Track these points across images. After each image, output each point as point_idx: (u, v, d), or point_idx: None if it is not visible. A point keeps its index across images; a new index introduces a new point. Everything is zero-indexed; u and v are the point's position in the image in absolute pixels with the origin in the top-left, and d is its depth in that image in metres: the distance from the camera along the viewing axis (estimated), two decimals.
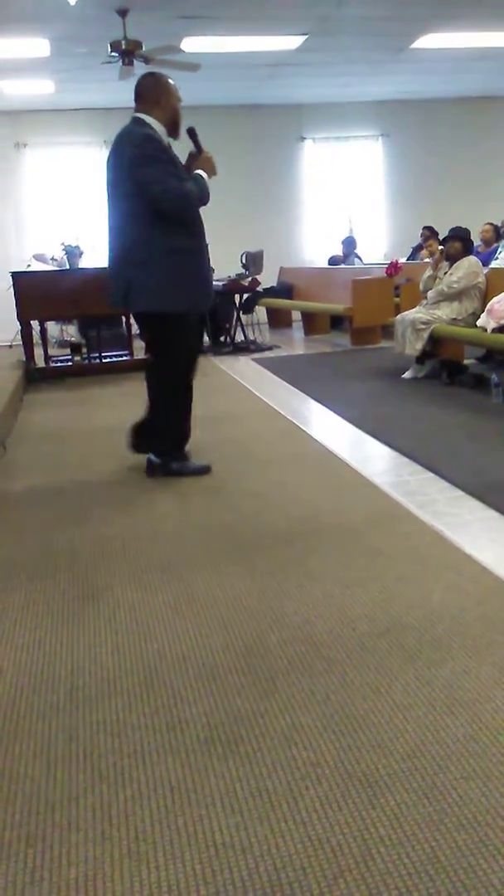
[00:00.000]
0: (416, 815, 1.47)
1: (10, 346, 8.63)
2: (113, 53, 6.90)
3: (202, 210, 3.59)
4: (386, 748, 1.67)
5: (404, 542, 2.84)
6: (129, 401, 5.90)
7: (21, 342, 7.25)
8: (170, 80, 3.57)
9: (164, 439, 3.83)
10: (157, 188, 3.39)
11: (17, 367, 7.01)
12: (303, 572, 2.60)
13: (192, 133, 3.65)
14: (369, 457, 4.12)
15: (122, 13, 6.47)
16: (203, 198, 3.53)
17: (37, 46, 7.29)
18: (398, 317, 6.31)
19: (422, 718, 1.77)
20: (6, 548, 3.02)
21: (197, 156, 3.64)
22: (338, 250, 10.66)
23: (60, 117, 10.07)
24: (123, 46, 6.77)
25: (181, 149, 3.66)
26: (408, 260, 9.51)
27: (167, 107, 3.53)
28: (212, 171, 3.61)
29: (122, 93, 9.16)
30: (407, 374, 6.09)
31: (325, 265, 10.53)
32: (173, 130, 3.59)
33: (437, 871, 1.34)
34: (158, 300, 3.53)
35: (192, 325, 3.71)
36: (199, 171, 3.57)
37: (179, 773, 1.64)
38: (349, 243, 10.55)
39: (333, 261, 10.50)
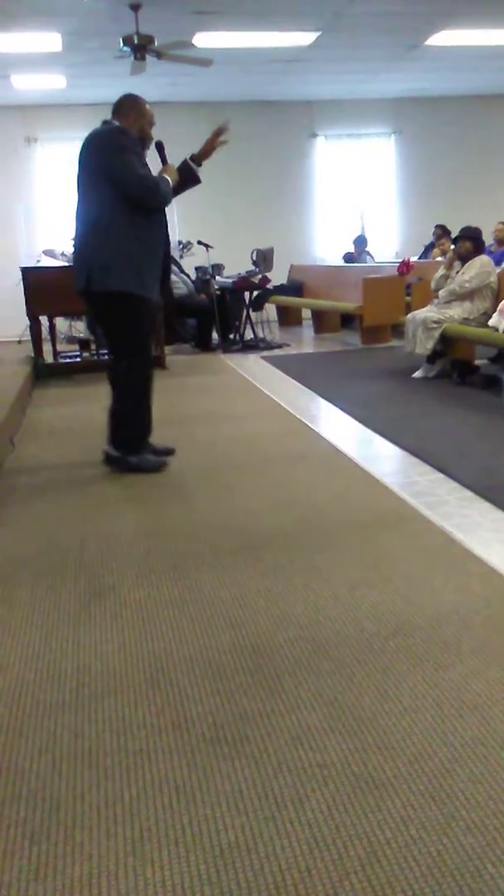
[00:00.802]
0: (422, 817, 1.46)
1: (19, 342, 8.64)
2: (125, 48, 6.88)
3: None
4: (393, 750, 1.66)
5: (413, 542, 2.82)
6: None
7: (30, 338, 7.26)
8: (147, 107, 3.84)
9: (125, 432, 3.89)
10: (127, 174, 3.61)
11: (25, 363, 7.02)
12: (310, 572, 2.59)
13: (159, 147, 3.89)
14: (378, 456, 4.10)
15: (135, 8, 6.45)
16: (167, 193, 3.75)
17: (49, 41, 7.28)
18: (409, 316, 6.28)
19: (429, 721, 1.76)
20: (14, 544, 3.02)
21: (164, 168, 3.88)
22: (349, 248, 10.64)
23: (71, 112, 10.05)
24: (136, 41, 6.74)
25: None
26: (419, 258, 9.48)
27: (135, 123, 3.76)
28: (174, 180, 3.84)
29: (133, 88, 9.14)
30: (417, 374, 6.07)
31: (336, 263, 10.49)
32: (141, 146, 3.80)
33: (444, 875, 1.33)
34: (119, 279, 3.67)
35: (149, 312, 3.80)
36: (165, 176, 3.82)
37: (185, 772, 1.63)
38: (360, 242, 10.53)
39: (348, 257, 10.47)
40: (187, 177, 3.92)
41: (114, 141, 3.67)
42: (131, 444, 3.89)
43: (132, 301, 3.70)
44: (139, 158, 3.72)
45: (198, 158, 3.96)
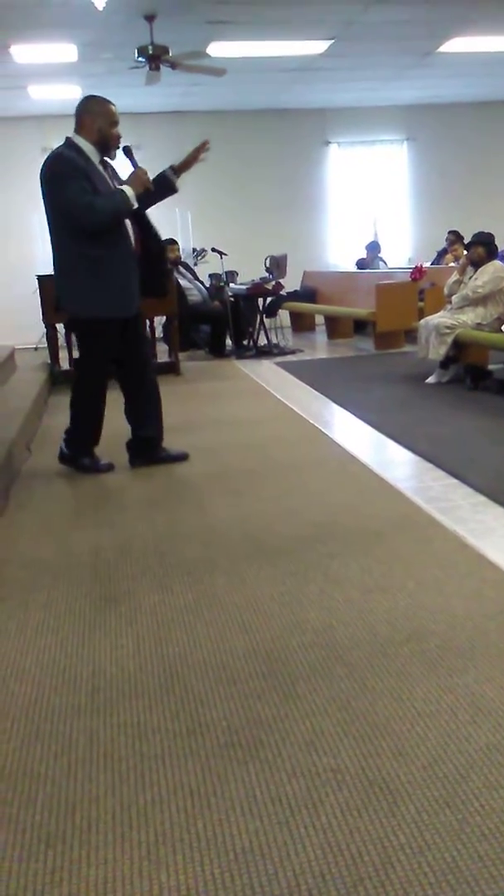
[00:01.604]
0: (437, 823, 1.46)
1: (36, 349, 8.70)
2: (140, 59, 6.94)
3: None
4: (407, 756, 1.66)
5: (426, 548, 2.82)
6: None
7: (46, 345, 7.30)
8: (103, 104, 3.78)
9: (72, 433, 4.11)
10: (65, 204, 3.70)
11: (41, 370, 7.07)
12: (324, 577, 2.59)
13: (126, 152, 3.91)
14: (392, 461, 4.10)
15: (150, 18, 6.51)
16: (115, 209, 3.74)
17: (65, 51, 7.35)
18: (422, 321, 6.28)
19: (443, 726, 1.75)
20: (30, 549, 3.04)
21: (131, 174, 3.84)
22: (362, 254, 10.65)
23: None
24: (150, 52, 6.80)
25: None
26: (432, 264, 9.47)
27: (92, 129, 3.76)
28: (140, 187, 3.80)
29: (148, 98, 9.25)
30: (430, 379, 6.06)
31: (349, 269, 10.51)
32: (104, 150, 3.81)
33: (458, 881, 1.32)
34: (80, 306, 3.87)
35: (114, 333, 3.91)
36: (124, 187, 3.79)
37: (199, 776, 1.64)
38: (373, 248, 10.53)
39: (361, 264, 10.48)
40: (163, 186, 3.97)
41: (52, 171, 3.73)
42: (80, 446, 4.09)
43: (94, 325, 3.88)
44: (82, 178, 3.68)
45: (178, 170, 4.02)
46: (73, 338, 4.34)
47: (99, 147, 3.79)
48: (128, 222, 3.88)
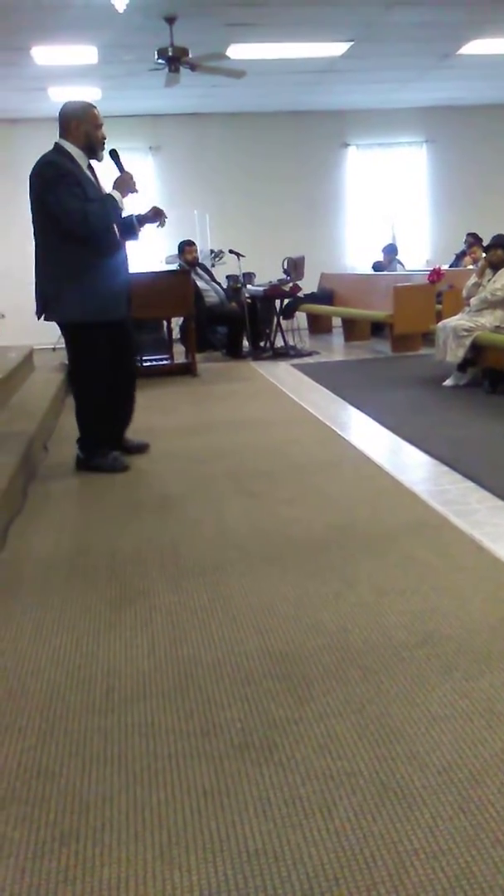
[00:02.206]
0: (451, 829, 1.45)
1: (54, 349, 8.72)
2: (160, 60, 6.95)
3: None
4: (422, 760, 1.65)
5: (443, 551, 2.81)
6: (168, 404, 5.95)
7: (63, 346, 7.32)
8: (87, 108, 3.87)
9: (83, 437, 4.17)
10: (57, 210, 3.74)
11: (59, 370, 7.10)
12: (339, 579, 2.58)
13: (112, 155, 3.97)
14: (408, 464, 4.09)
15: (170, 21, 6.53)
16: (105, 215, 3.81)
17: (85, 53, 7.39)
18: (440, 324, 6.25)
19: (459, 731, 1.74)
20: (46, 548, 3.06)
21: (119, 178, 3.93)
22: (380, 257, 10.62)
23: (107, 124, 10.16)
24: (170, 53, 6.82)
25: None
26: (451, 267, 9.43)
27: (78, 133, 3.84)
28: (128, 190, 3.90)
29: (167, 100, 9.28)
30: (448, 382, 6.03)
31: (367, 271, 10.48)
32: (91, 153, 3.89)
33: (472, 887, 1.31)
34: (68, 311, 3.90)
35: (103, 336, 3.96)
36: (112, 192, 3.87)
37: (213, 777, 1.64)
38: (390, 250, 10.50)
39: (378, 266, 10.46)
40: (128, 230, 4.09)
41: (40, 177, 3.78)
42: (91, 447, 4.14)
43: (86, 330, 3.92)
44: (71, 183, 3.74)
45: (141, 221, 4.14)
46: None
47: (86, 151, 3.87)
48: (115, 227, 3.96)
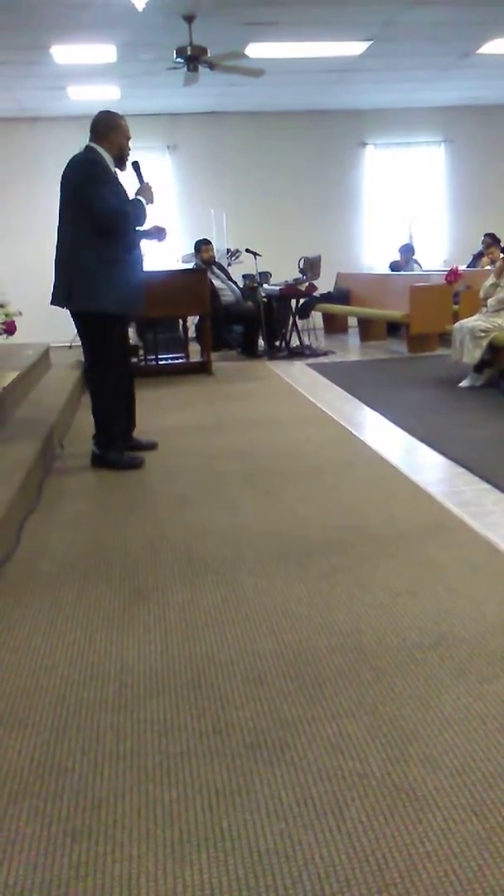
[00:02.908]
0: (463, 832, 1.44)
1: (70, 347, 8.76)
2: (178, 59, 6.96)
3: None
4: (435, 762, 1.64)
5: (457, 552, 2.79)
6: (183, 403, 5.96)
7: (80, 343, 7.34)
8: (121, 120, 4.09)
9: (100, 433, 4.23)
10: (98, 205, 3.90)
11: (75, 368, 7.12)
12: (353, 580, 2.58)
13: (135, 166, 4.17)
14: (423, 465, 4.07)
15: (189, 19, 6.53)
16: (139, 217, 4.06)
17: (104, 52, 7.41)
18: (457, 324, 6.22)
19: (472, 734, 1.73)
20: (61, 544, 3.07)
21: (140, 187, 4.16)
22: (397, 257, 10.59)
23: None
24: (189, 52, 6.82)
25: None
26: (468, 267, 9.39)
27: (114, 142, 4.04)
28: (150, 199, 4.11)
29: (185, 98, 9.29)
30: (464, 383, 6.00)
31: (383, 271, 10.45)
32: (119, 162, 4.10)
33: (485, 891, 1.31)
34: (93, 300, 4.01)
35: (123, 330, 4.16)
36: (139, 197, 4.10)
37: (224, 776, 1.64)
38: (406, 250, 10.47)
39: (395, 266, 10.43)
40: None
41: (85, 172, 3.95)
42: (107, 443, 4.20)
43: (107, 320, 4.06)
44: (112, 183, 3.99)
45: (143, 236, 4.26)
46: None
47: (115, 159, 4.07)
48: None
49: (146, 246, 4.34)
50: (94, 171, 3.95)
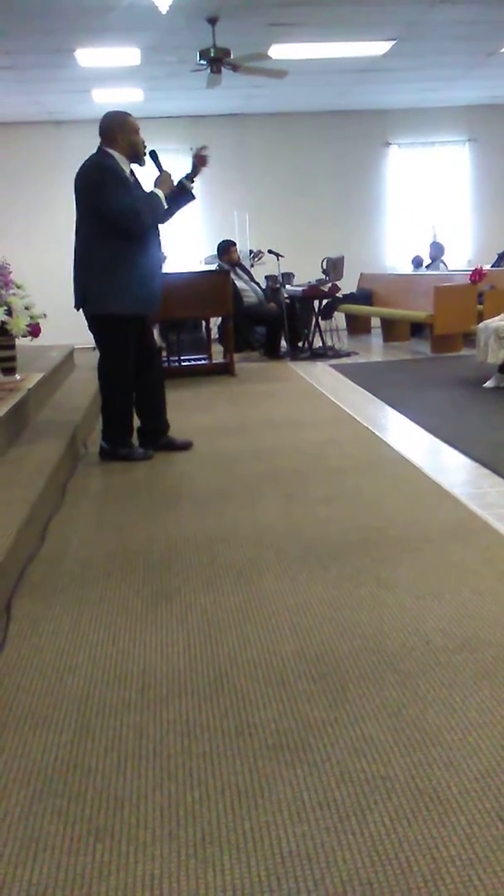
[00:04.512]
0: (488, 836, 1.43)
1: (94, 349, 8.82)
2: (201, 62, 6.98)
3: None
4: (459, 766, 1.63)
5: (482, 555, 2.77)
6: (206, 404, 5.97)
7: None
8: (125, 117, 4.09)
9: (108, 428, 4.34)
10: (109, 207, 3.94)
11: None
12: (376, 582, 2.57)
13: (153, 156, 4.16)
14: (447, 466, 4.04)
15: (212, 21, 6.55)
16: (154, 211, 4.04)
17: (128, 55, 7.45)
18: (481, 325, 6.17)
19: (497, 738, 1.72)
20: (85, 545, 3.09)
21: (159, 177, 4.15)
22: (421, 254, 10.53)
23: (148, 125, 10.17)
24: (212, 54, 6.84)
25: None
26: (493, 267, 9.31)
27: (123, 141, 4.05)
28: (167, 189, 4.11)
29: (209, 101, 9.30)
30: (489, 384, 5.96)
31: (406, 272, 10.40)
32: (134, 159, 4.10)
33: None
34: (105, 302, 4.09)
35: (130, 332, 4.17)
36: (156, 190, 4.08)
37: (247, 777, 1.63)
38: (437, 247, 10.40)
39: (416, 261, 10.37)
40: (181, 196, 4.24)
41: (93, 177, 3.98)
42: (117, 437, 4.31)
43: (119, 322, 4.11)
44: (122, 184, 3.97)
45: (191, 177, 4.28)
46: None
47: (129, 157, 4.08)
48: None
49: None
50: (102, 175, 3.97)
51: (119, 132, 4.04)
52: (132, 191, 4.02)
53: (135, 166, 4.16)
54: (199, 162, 4.33)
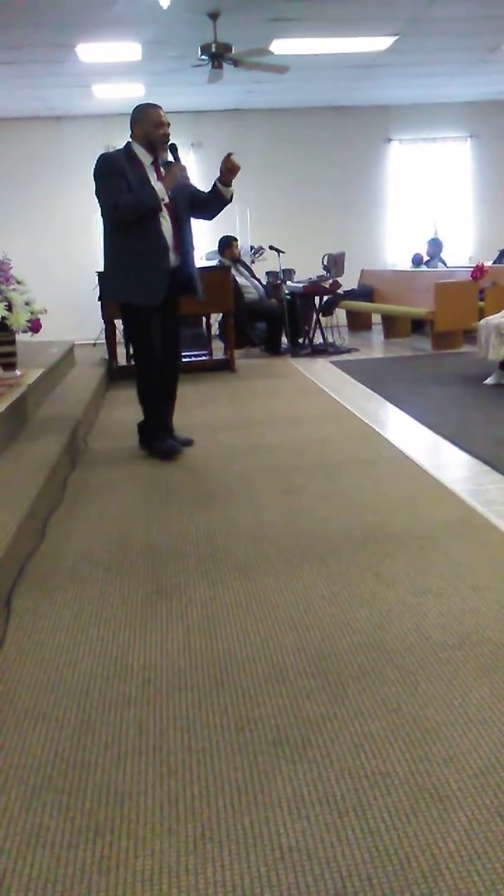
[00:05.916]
0: (487, 833, 1.43)
1: (94, 345, 8.83)
2: (203, 57, 6.96)
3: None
4: (458, 763, 1.63)
5: (482, 551, 2.77)
6: (206, 400, 5.97)
7: (104, 341, 7.40)
8: (146, 109, 4.08)
9: (143, 421, 4.41)
10: (99, 200, 4.08)
11: (100, 365, 7.17)
12: (375, 578, 2.57)
13: (172, 149, 4.14)
14: (447, 463, 4.04)
15: (214, 16, 6.53)
16: (136, 206, 3.97)
17: (129, 50, 7.43)
18: (482, 321, 6.17)
19: (497, 734, 1.72)
20: (85, 541, 3.09)
21: (168, 171, 4.10)
22: (421, 252, 10.51)
23: None
24: (213, 49, 6.82)
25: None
26: (494, 263, 9.30)
27: (139, 132, 4.10)
28: (172, 182, 4.04)
29: (210, 96, 9.29)
30: (489, 380, 5.95)
31: (408, 268, 10.39)
32: (153, 151, 4.11)
33: None
34: (112, 291, 4.30)
35: (150, 319, 4.15)
36: (156, 184, 4.01)
37: (246, 773, 1.64)
38: (435, 244, 10.38)
39: (416, 259, 10.35)
40: (216, 198, 4.25)
41: (96, 170, 4.06)
42: (146, 430, 4.39)
43: (131, 309, 4.19)
44: (118, 176, 3.97)
45: (223, 181, 4.23)
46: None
47: (149, 149, 4.09)
48: (168, 218, 4.11)
49: (231, 202, 4.30)
50: (98, 166, 4.05)
51: (136, 123, 4.09)
52: (122, 183, 3.96)
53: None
54: (228, 167, 4.23)
